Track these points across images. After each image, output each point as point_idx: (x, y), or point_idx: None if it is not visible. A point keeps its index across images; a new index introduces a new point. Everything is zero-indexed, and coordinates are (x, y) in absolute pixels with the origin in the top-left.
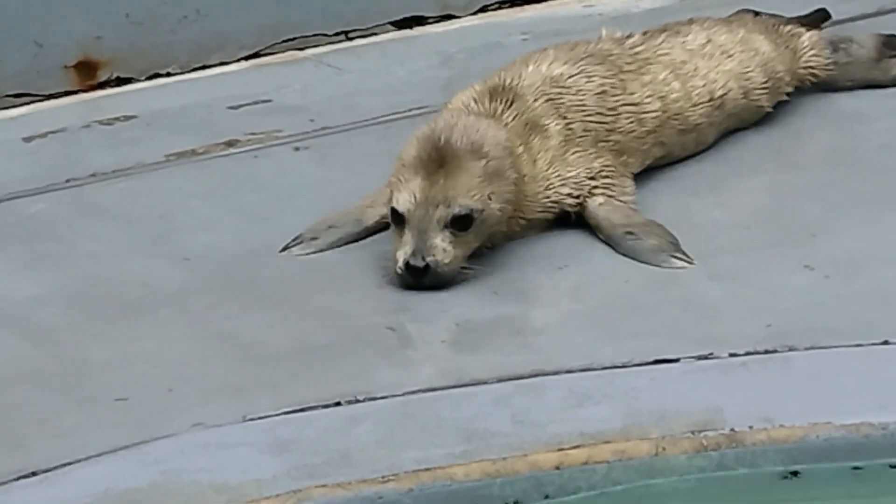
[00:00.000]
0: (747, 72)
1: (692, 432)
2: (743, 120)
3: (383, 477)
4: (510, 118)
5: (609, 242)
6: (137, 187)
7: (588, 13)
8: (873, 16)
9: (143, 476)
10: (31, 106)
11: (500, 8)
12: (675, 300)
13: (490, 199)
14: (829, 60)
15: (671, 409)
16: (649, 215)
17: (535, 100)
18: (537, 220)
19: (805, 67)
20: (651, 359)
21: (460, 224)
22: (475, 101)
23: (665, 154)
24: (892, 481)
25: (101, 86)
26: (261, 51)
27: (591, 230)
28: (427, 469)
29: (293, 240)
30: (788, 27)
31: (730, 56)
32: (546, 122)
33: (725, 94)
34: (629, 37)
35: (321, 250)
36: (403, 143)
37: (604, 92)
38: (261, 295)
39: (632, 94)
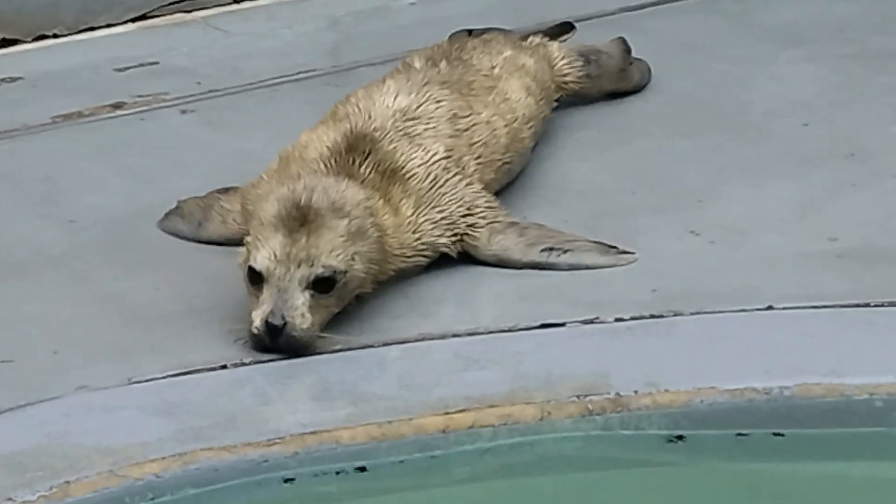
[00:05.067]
0: (531, 87)
1: (577, 396)
2: (539, 135)
3: (269, 440)
4: (367, 171)
5: (534, 268)
6: (23, 149)
7: None
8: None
9: (27, 438)
10: None
11: None
12: None
13: (354, 259)
14: (583, 73)
15: (557, 373)
16: (535, 182)
17: (391, 142)
18: (409, 269)
19: (560, 78)
20: (537, 323)
21: (322, 286)
22: (330, 155)
23: (506, 180)
24: (774, 448)
25: None
26: (148, 13)
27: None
28: (313, 432)
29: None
30: (534, 39)
31: (511, 74)
32: (405, 164)
33: (531, 111)
34: (435, 64)
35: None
36: (292, 106)
37: (454, 115)
38: (147, 257)
39: (479, 113)
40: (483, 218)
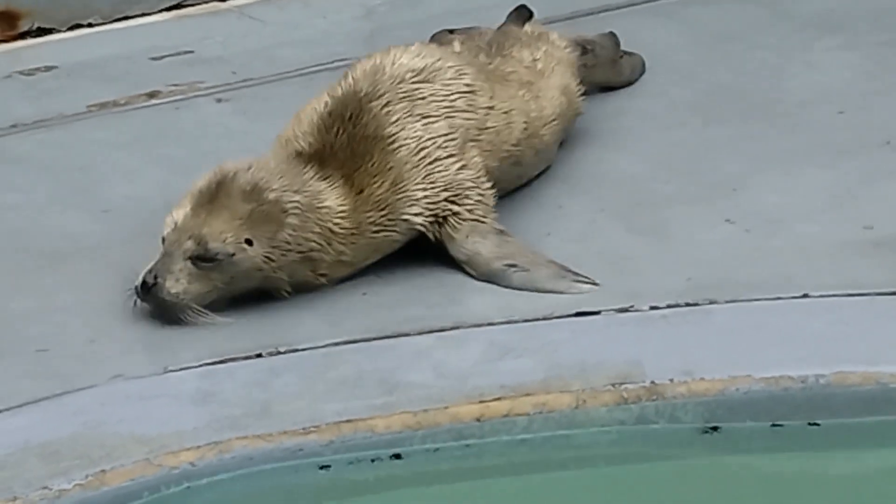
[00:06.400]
0: (566, 84)
1: (613, 385)
2: (568, 131)
3: (304, 429)
4: (345, 139)
5: (489, 280)
6: (58, 138)
7: None
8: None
9: (63, 427)
10: None
11: None
12: (597, 253)
13: (249, 244)
14: (581, 63)
15: (592, 361)
16: (571, 171)
17: (385, 105)
18: (381, 245)
19: None
20: (572, 311)
21: (204, 262)
22: (313, 123)
23: (519, 176)
24: (810, 438)
25: (22, 36)
26: (183, 2)
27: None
28: (348, 421)
29: None
30: (533, 31)
31: (552, 71)
32: (394, 132)
33: (562, 109)
34: (477, 54)
35: None
36: None
37: (473, 91)
38: None
39: (502, 101)
40: (470, 212)
